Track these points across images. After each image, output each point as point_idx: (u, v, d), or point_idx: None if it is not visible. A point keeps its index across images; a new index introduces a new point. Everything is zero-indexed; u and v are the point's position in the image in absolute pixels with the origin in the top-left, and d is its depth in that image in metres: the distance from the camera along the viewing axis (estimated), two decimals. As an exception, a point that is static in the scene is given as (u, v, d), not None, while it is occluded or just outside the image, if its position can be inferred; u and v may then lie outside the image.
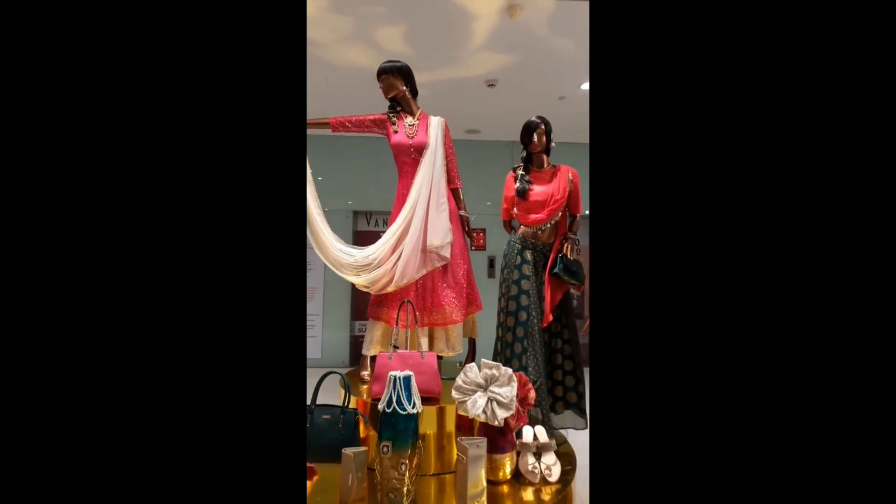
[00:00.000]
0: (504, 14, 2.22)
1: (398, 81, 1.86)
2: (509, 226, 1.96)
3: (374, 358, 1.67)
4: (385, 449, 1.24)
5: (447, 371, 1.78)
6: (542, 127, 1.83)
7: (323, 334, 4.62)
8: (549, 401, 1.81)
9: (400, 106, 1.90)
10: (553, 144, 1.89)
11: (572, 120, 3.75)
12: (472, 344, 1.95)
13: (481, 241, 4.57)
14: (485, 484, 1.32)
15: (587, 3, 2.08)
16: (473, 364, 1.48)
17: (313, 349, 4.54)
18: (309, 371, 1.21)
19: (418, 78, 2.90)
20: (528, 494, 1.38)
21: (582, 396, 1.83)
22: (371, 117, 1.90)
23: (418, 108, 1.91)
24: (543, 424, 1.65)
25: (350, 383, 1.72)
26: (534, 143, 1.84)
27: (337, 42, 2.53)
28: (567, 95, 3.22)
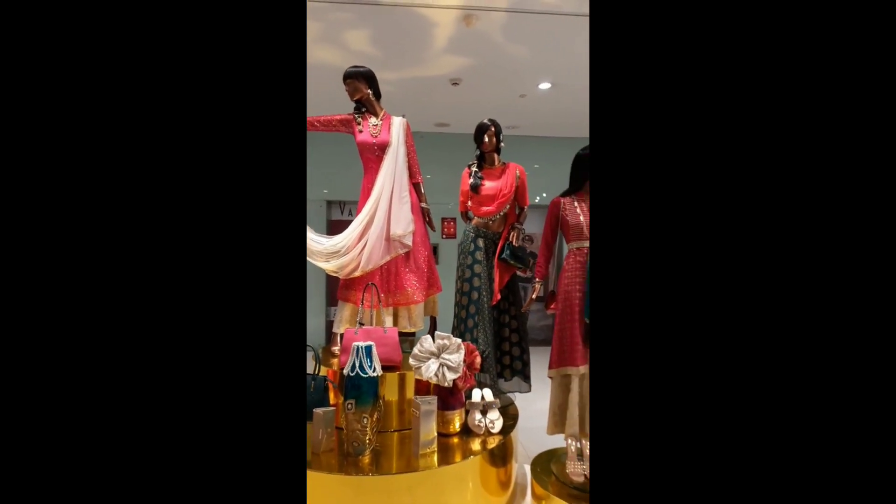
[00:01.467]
0: (461, 22, 2.40)
1: (362, 85, 2.02)
2: (466, 216, 2.18)
3: (343, 335, 1.88)
4: (349, 406, 1.46)
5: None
6: (492, 129, 2.04)
7: (300, 320, 4.79)
8: (498, 368, 2.06)
9: (364, 107, 2.06)
10: (503, 144, 2.11)
11: (533, 115, 3.99)
12: (432, 321, 2.17)
13: (451, 230, 4.79)
14: (436, 434, 1.56)
15: (536, 16, 2.29)
16: (428, 336, 1.70)
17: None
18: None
19: (386, 76, 3.07)
20: (475, 444, 1.63)
21: (526, 364, 2.09)
22: (338, 117, 2.06)
23: (382, 109, 2.09)
24: (491, 387, 1.90)
25: (322, 357, 1.93)
26: (485, 143, 2.05)
27: (308, 44, 2.67)
28: (527, 94, 3.44)
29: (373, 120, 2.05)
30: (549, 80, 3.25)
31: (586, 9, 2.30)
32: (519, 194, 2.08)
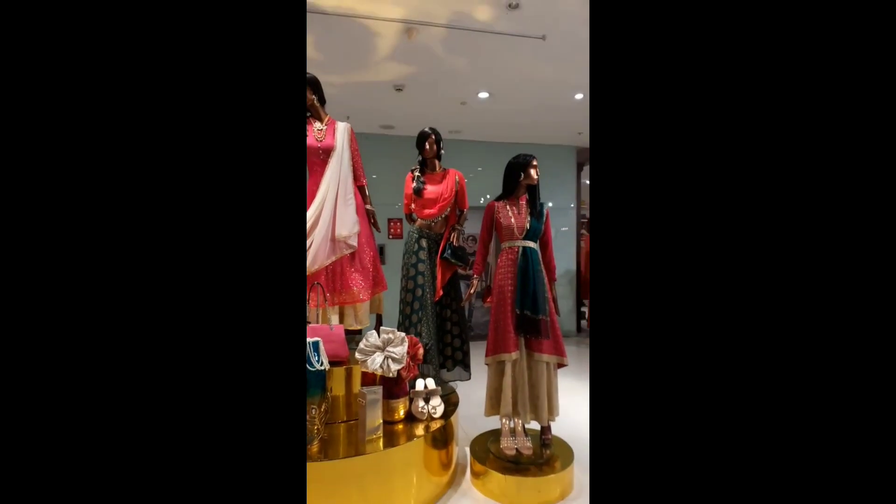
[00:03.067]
0: (404, 34, 2.51)
1: (307, 91, 2.07)
2: (410, 218, 2.29)
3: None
4: (298, 399, 1.52)
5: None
6: (433, 137, 2.17)
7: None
8: (440, 359, 2.20)
9: (310, 112, 2.11)
10: (443, 151, 2.24)
11: (474, 121, 4.18)
12: (378, 318, 2.27)
13: (398, 231, 4.87)
14: (381, 422, 1.66)
15: (473, 32, 2.45)
16: (374, 331, 1.80)
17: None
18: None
19: (331, 79, 3.10)
20: (419, 429, 1.75)
21: (466, 354, 2.24)
22: (283, 121, 2.09)
23: (326, 115, 2.14)
24: (434, 377, 2.03)
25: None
26: (426, 150, 2.18)
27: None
28: (468, 101, 3.62)
29: (317, 125, 2.10)
30: (486, 90, 3.44)
31: (518, 28, 2.50)
32: (459, 198, 2.23)
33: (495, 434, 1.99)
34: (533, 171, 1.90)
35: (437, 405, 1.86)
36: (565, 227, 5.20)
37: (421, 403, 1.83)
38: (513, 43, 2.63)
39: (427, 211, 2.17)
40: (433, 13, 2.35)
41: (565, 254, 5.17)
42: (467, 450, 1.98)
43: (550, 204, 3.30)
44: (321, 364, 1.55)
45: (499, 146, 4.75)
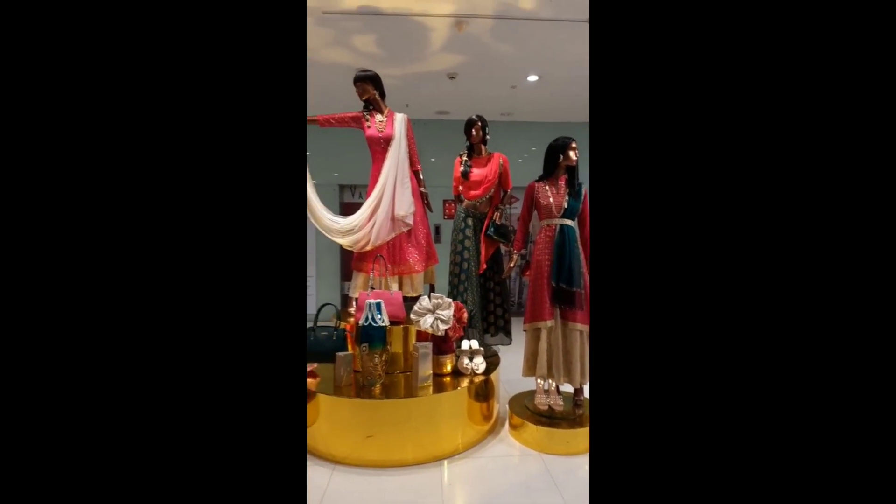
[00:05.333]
0: (454, 27, 2.67)
1: (370, 87, 2.31)
2: (458, 199, 2.50)
3: (357, 298, 2.24)
4: (364, 348, 1.83)
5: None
6: (479, 123, 2.34)
7: (317, 293, 5.19)
8: (484, 325, 2.43)
9: (372, 105, 2.37)
10: (489, 136, 2.41)
11: (525, 104, 4.25)
12: (430, 287, 2.53)
13: (452, 211, 5.09)
14: (431, 373, 1.94)
15: (519, 21, 2.54)
16: (425, 296, 2.06)
17: (310, 306, 5.11)
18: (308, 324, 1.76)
19: (391, 72, 3.35)
20: (464, 382, 2.00)
21: (508, 322, 2.45)
22: (350, 115, 2.37)
23: (386, 107, 2.38)
24: (478, 340, 2.27)
25: (341, 316, 2.30)
26: (473, 136, 2.36)
27: (322, 47, 2.96)
28: (518, 85, 3.70)
29: (379, 117, 2.35)
30: (536, 74, 3.50)
31: (562, 14, 2.55)
32: (502, 179, 2.39)
33: (532, 394, 2.19)
34: (572, 153, 2.01)
35: (479, 363, 2.09)
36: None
37: (466, 360, 2.08)
38: (558, 27, 2.68)
39: (473, 192, 2.37)
40: (480, 6, 2.48)
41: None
42: (507, 407, 2.20)
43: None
44: (383, 321, 1.85)
45: (550, 126, 4.74)
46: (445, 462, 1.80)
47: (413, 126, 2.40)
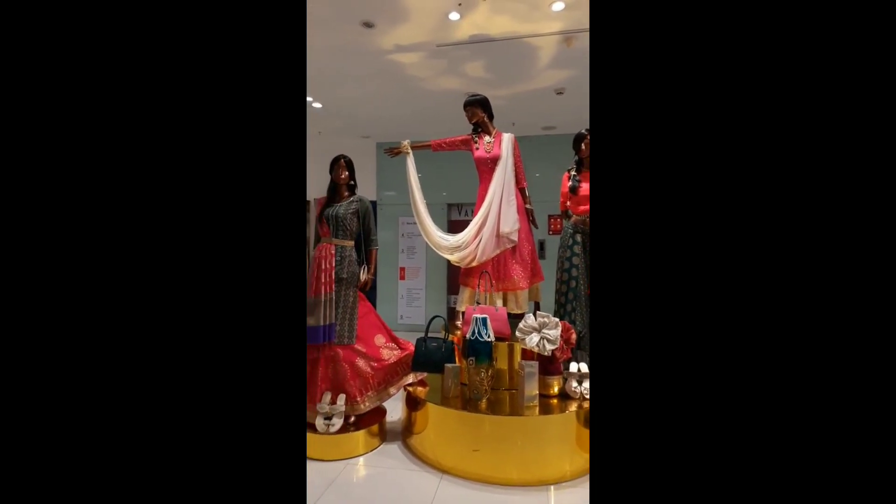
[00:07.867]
0: (562, 44, 2.62)
1: (478, 111, 2.40)
2: (566, 214, 2.41)
3: (464, 312, 2.30)
4: (471, 362, 1.86)
5: (516, 323, 2.32)
6: (589, 138, 2.24)
7: (426, 306, 5.45)
8: (595, 347, 2.26)
9: (480, 128, 2.45)
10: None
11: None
12: (536, 305, 2.47)
13: (558, 227, 4.92)
14: (537, 392, 1.87)
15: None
16: (530, 314, 2.01)
17: (419, 317, 5.39)
18: (417, 333, 1.86)
19: (499, 93, 3.43)
20: (572, 406, 1.88)
21: (622, 346, 2.24)
22: (460, 139, 2.48)
23: (494, 129, 2.44)
24: (588, 363, 2.12)
25: (449, 329, 2.37)
26: (582, 150, 2.26)
27: (435, 76, 3.18)
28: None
29: (487, 138, 2.41)
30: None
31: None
32: (615, 194, 2.24)
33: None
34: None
35: (589, 388, 1.96)
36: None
37: (574, 384, 1.97)
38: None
39: (582, 207, 2.26)
40: (588, 20, 2.40)
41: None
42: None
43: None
44: (489, 336, 1.86)
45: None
46: (552, 488, 1.71)
47: (519, 143, 2.40)
